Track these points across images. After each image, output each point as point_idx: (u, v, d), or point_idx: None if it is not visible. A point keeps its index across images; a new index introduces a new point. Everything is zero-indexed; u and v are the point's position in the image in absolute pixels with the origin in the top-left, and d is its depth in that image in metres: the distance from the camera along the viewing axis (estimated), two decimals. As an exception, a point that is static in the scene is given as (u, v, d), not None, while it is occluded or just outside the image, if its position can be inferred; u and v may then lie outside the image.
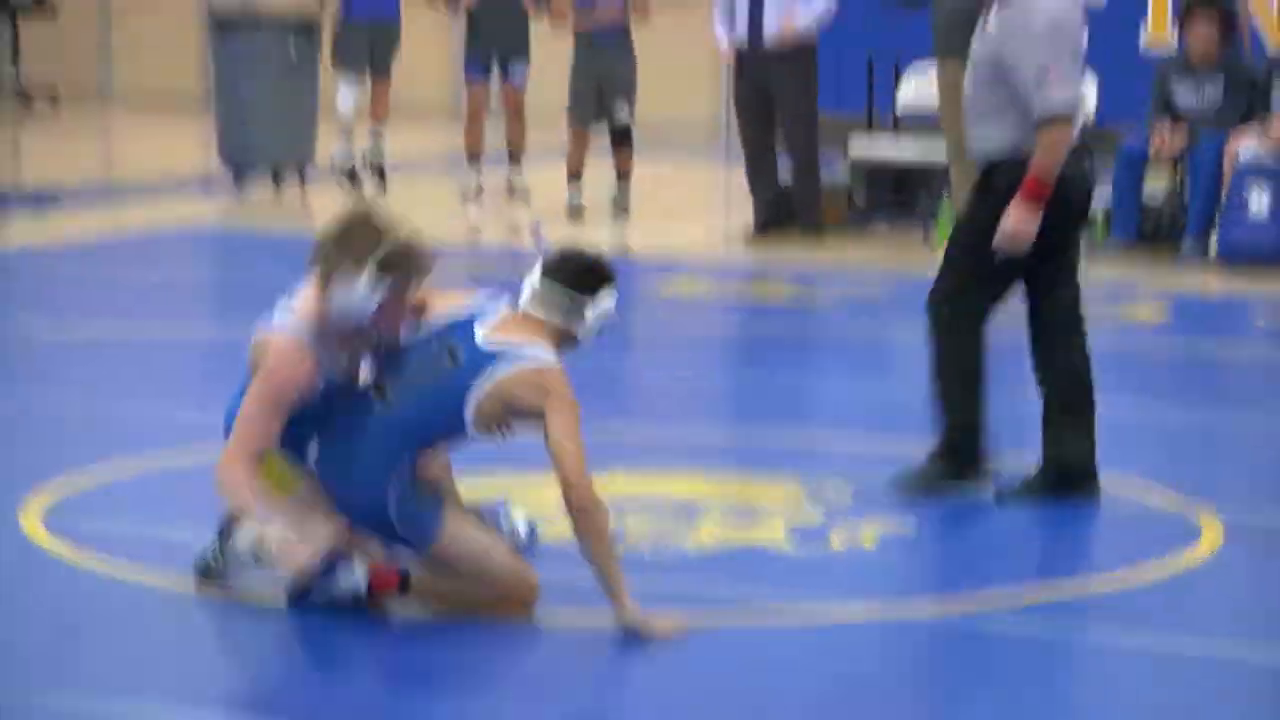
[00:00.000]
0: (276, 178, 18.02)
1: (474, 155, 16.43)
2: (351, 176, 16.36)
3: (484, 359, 6.35)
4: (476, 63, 16.67)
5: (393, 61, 16.72)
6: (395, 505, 6.47)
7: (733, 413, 10.66)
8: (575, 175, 17.01)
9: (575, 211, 16.30)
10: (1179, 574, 7.54)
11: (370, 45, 15.47)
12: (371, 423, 6.54)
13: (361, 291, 6.29)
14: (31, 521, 7.95)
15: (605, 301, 6.60)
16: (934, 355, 8.51)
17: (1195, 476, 9.14)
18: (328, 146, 17.98)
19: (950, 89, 13.92)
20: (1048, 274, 8.33)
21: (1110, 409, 9.76)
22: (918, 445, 8.79)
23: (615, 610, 6.34)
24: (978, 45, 8.48)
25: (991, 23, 8.26)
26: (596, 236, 15.81)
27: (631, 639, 6.57)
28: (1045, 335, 8.52)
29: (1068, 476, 8.61)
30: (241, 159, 17.97)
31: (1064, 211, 8.27)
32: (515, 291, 6.74)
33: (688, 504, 8.45)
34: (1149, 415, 10.96)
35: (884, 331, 13.85)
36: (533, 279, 6.54)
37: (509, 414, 6.39)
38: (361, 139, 16.90)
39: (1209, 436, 10.68)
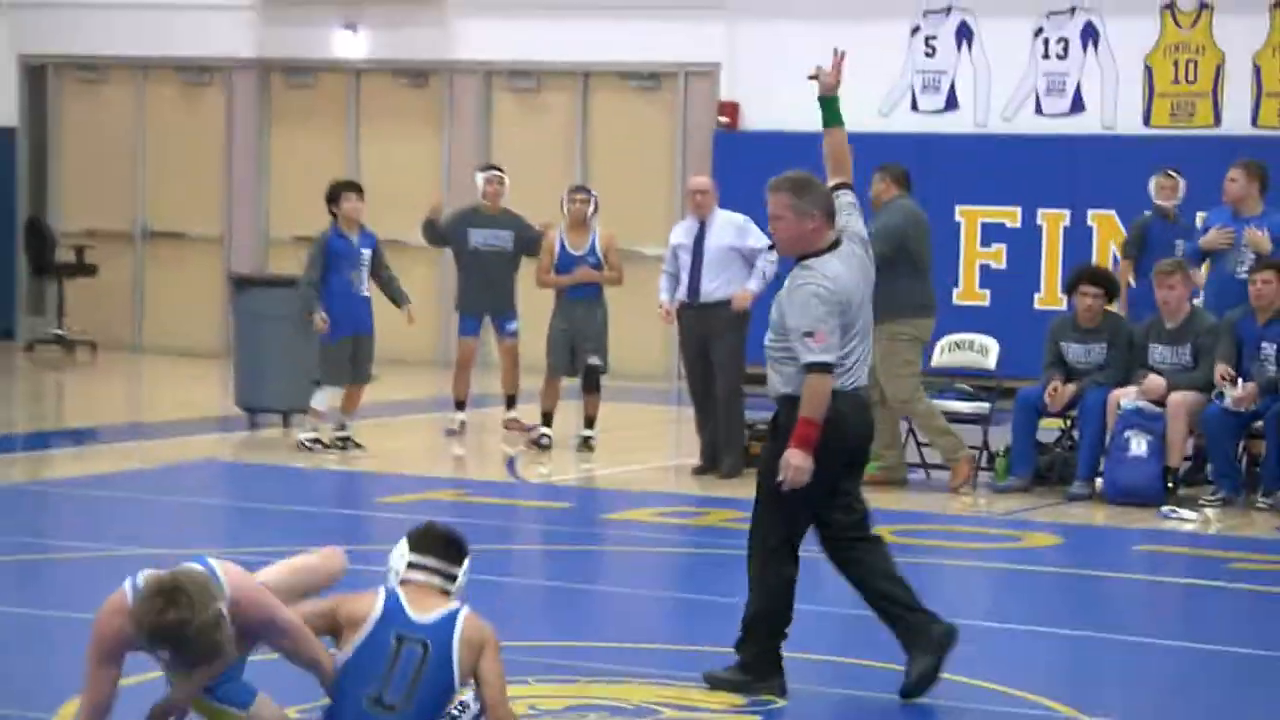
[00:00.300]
0: (285, 418, 17.73)
1: (460, 402, 16.08)
2: (314, 445, 15.83)
3: (440, 629, 6.17)
4: (470, 320, 16.58)
5: (370, 368, 16.23)
6: None
7: (674, 625, 10.11)
8: (547, 416, 16.60)
9: (545, 447, 15.95)
10: None
11: (353, 356, 15.10)
12: None
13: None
14: None
15: (467, 567, 6.50)
16: (752, 579, 8.30)
17: (1085, 688, 8.91)
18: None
19: (893, 350, 14.35)
20: (830, 504, 8.20)
21: (1009, 626, 10.35)
22: (827, 653, 8.71)
23: None
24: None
25: (786, 279, 8.28)
26: (564, 467, 15.76)
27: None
28: (838, 555, 8.32)
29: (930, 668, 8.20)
30: (255, 402, 17.72)
31: (840, 449, 8.15)
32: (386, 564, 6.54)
33: (644, 707, 8.03)
34: (1041, 633, 10.58)
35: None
36: (406, 558, 6.39)
37: (473, 661, 6.20)
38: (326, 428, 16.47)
39: (1097, 654, 10.21)
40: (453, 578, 6.52)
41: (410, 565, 6.43)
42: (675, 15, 21.50)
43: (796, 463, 7.81)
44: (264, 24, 23.55)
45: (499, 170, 17.99)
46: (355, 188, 15.90)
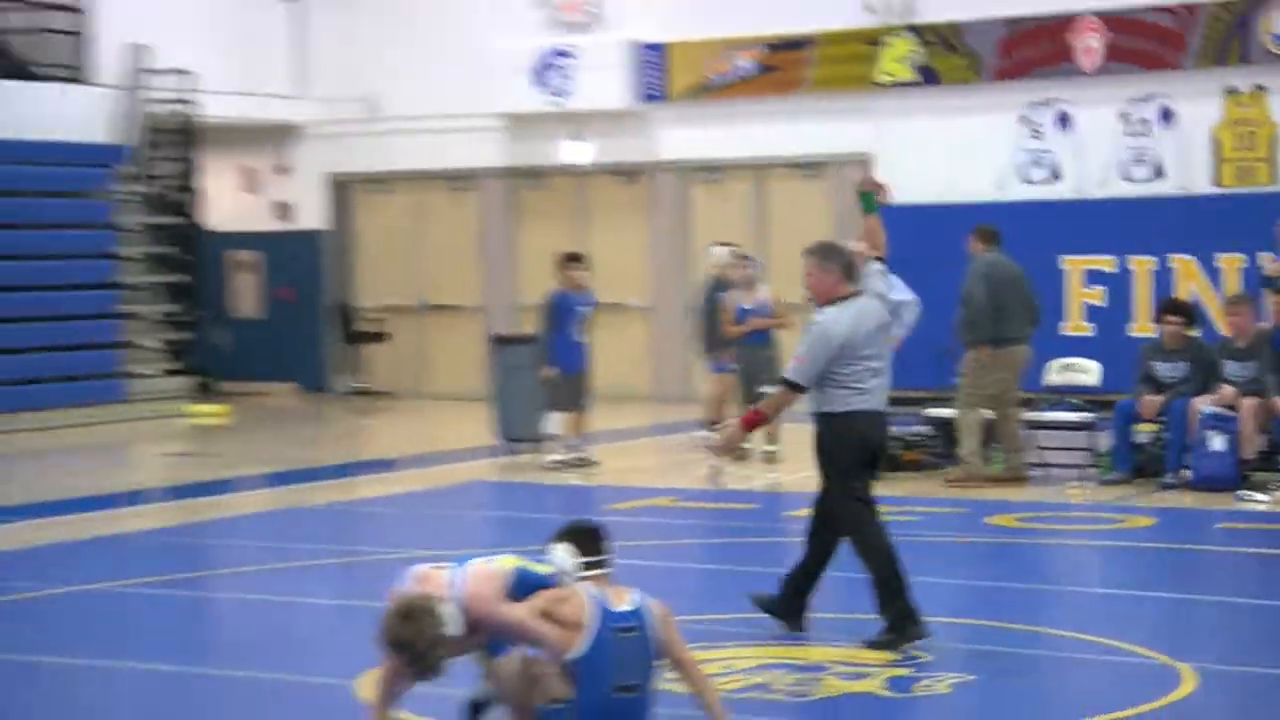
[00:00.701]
0: (535, 445, 17.76)
1: (713, 423, 15.90)
2: (559, 466, 16.20)
3: (640, 615, 6.26)
4: (717, 362, 16.84)
5: (586, 398, 16.62)
6: None
7: (842, 599, 9.71)
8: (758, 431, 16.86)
9: (741, 459, 15.94)
10: (1169, 707, 7.53)
11: (575, 389, 15.43)
12: (646, 714, 6.50)
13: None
14: (366, 690, 7.79)
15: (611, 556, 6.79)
16: (860, 556, 8.45)
17: (1180, 640, 9.14)
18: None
19: (968, 371, 14.89)
20: (827, 485, 8.49)
21: (1115, 591, 10.93)
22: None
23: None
24: None
25: None
26: (754, 477, 15.79)
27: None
28: (817, 522, 8.61)
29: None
30: (511, 434, 17.91)
31: (855, 450, 8.36)
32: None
33: (818, 664, 8.37)
34: (1142, 596, 10.96)
35: (928, 533, 13.13)
36: (577, 559, 6.54)
37: (665, 634, 6.38)
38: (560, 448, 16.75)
39: (1189, 611, 10.56)
40: (610, 563, 6.68)
41: (586, 564, 6.55)
42: (831, 117, 21.39)
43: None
44: (510, 139, 24.02)
45: (735, 248, 18.31)
46: (577, 257, 16.12)
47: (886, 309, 8.94)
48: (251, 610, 11.33)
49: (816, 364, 8.34)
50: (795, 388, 8.39)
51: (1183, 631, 9.78)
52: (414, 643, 6.18)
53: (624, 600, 6.37)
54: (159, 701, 8.77)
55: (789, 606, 8.86)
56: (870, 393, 8.46)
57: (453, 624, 6.31)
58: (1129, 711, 7.58)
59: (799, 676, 8.06)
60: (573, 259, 16.35)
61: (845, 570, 9.14)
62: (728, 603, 9.69)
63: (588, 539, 6.62)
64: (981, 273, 14.96)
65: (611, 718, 6.34)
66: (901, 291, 14.43)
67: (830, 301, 8.36)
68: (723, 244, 18.00)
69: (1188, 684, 7.93)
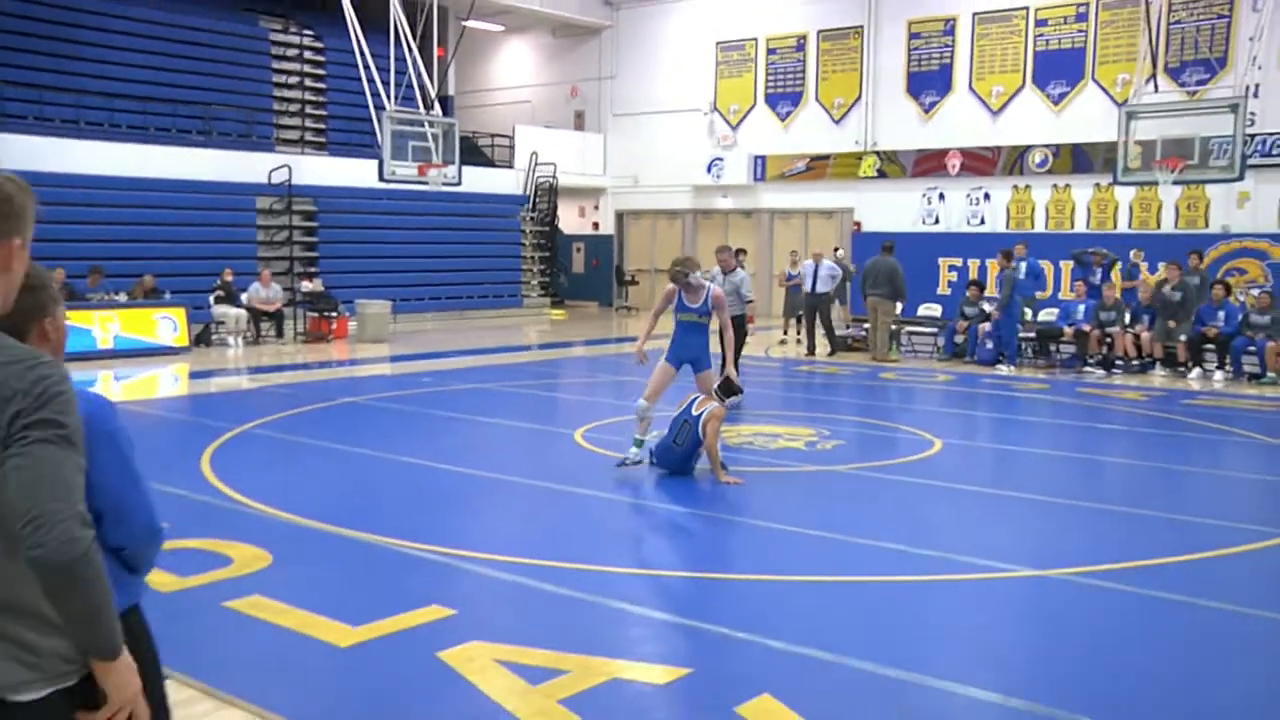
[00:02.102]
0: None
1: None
2: None
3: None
4: None
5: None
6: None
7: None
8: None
9: None
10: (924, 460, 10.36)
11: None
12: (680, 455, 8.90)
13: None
14: (579, 437, 11.41)
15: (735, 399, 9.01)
16: None
17: (937, 427, 12.17)
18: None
19: (872, 310, 19.01)
20: None
21: (921, 408, 14.52)
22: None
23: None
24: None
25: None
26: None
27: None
28: None
29: None
30: None
31: None
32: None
33: (772, 434, 11.58)
34: (927, 410, 14.74)
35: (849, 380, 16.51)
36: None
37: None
38: None
39: (947, 417, 13.79)
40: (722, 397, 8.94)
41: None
42: (838, 191, 27.67)
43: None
44: (695, 196, 30.50)
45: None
46: (741, 250, 16.53)
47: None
48: (553, 399, 15.04)
49: None
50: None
51: (938, 422, 12.67)
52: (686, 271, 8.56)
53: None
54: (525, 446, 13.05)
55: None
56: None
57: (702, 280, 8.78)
58: (912, 458, 10.30)
59: (766, 439, 11.13)
60: (740, 251, 17.26)
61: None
62: (760, 406, 10.88)
63: None
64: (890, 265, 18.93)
65: None
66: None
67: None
68: (818, 254, 20.80)
69: (936, 447, 10.81)
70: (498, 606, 6.29)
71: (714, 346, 9.51)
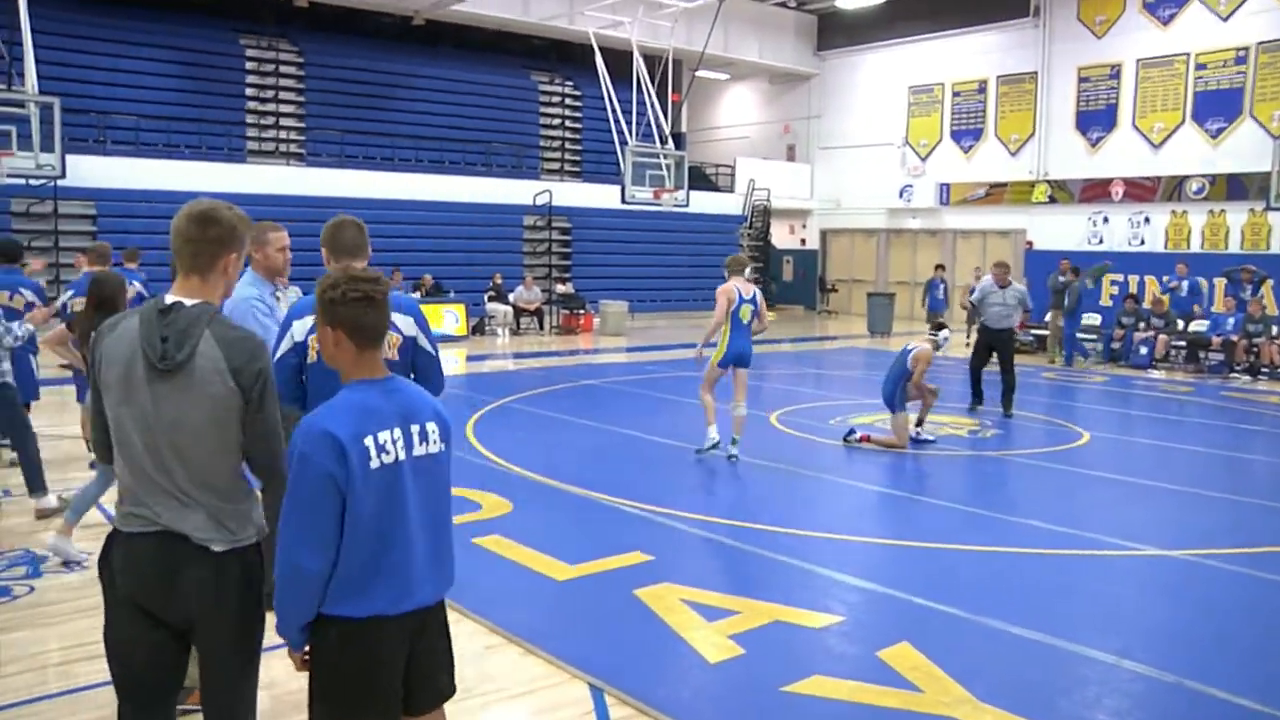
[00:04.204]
0: (885, 335, 22.70)
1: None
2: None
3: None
4: None
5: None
6: None
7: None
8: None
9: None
10: (1072, 450, 9.61)
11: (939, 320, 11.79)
12: None
13: None
14: (774, 420, 11.50)
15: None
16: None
17: (1082, 419, 11.61)
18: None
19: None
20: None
21: (1056, 401, 13.30)
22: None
23: None
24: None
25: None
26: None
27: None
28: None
29: None
30: (873, 329, 23.12)
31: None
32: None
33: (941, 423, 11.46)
34: (1066, 403, 13.68)
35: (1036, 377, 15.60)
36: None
37: None
38: None
39: (1082, 410, 12.92)
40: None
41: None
42: (1013, 215, 25.89)
43: None
44: (888, 217, 29.12)
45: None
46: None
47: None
48: (756, 386, 13.47)
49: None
50: None
51: (1089, 417, 11.89)
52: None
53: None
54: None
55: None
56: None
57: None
58: (1058, 447, 9.74)
59: (931, 426, 10.60)
60: (940, 267, 19.69)
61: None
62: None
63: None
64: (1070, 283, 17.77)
65: None
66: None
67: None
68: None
69: (1085, 439, 10.26)
70: (688, 555, 6.27)
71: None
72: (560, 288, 23.57)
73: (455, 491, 7.28)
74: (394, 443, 2.67)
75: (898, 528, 7.14)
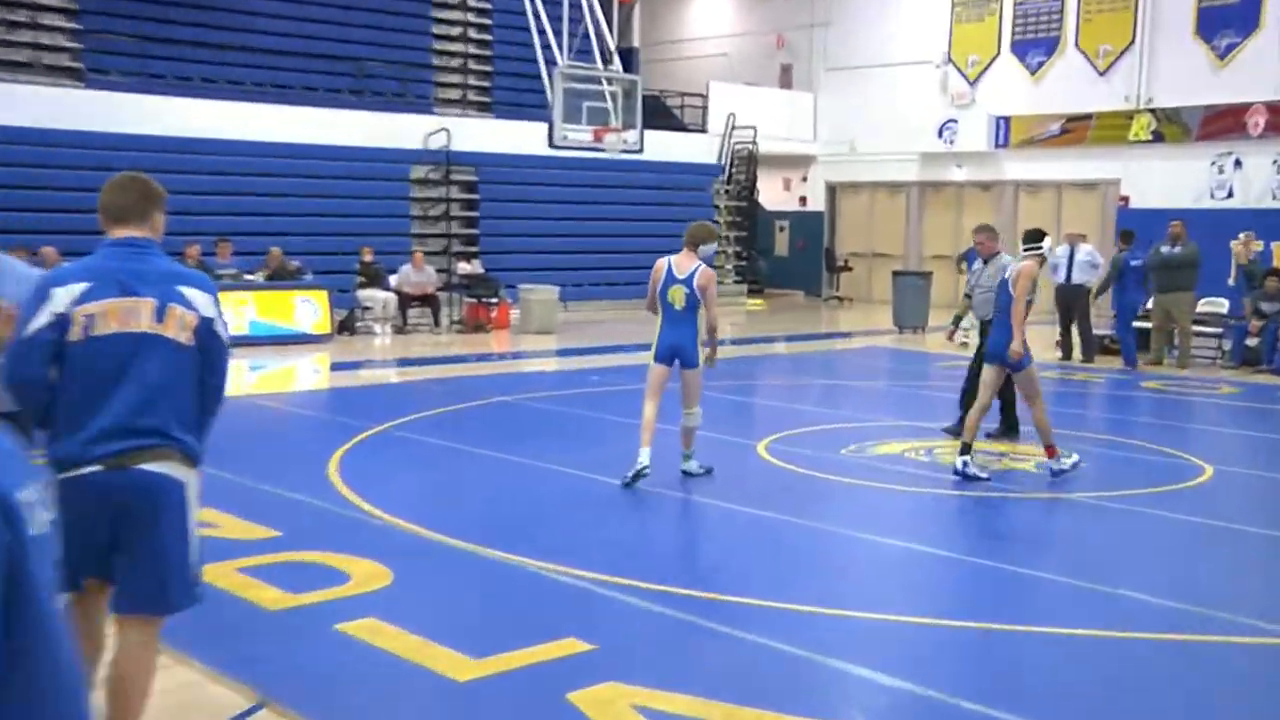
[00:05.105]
0: (915, 329, 22.48)
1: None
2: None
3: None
4: None
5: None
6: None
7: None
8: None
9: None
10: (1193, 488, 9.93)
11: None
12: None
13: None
14: (762, 449, 11.65)
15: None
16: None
17: (1208, 450, 11.75)
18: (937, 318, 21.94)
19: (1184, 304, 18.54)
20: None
21: (1190, 426, 13.99)
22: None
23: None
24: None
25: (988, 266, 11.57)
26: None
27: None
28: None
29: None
30: (901, 323, 23.29)
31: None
32: None
33: (996, 452, 10.58)
34: (1198, 428, 14.22)
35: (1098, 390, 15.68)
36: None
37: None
38: None
39: (1227, 437, 13.56)
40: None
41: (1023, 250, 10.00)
42: (1100, 159, 27.41)
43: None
44: (922, 166, 30.82)
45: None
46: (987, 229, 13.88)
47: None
48: (741, 403, 15.29)
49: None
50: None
51: (1213, 444, 12.53)
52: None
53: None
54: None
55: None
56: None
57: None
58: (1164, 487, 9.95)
59: (988, 458, 11.00)
60: (980, 230, 15.48)
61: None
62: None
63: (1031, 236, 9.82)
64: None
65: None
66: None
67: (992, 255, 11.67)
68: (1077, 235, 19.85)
69: (1206, 474, 10.49)
70: (642, 642, 6.32)
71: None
72: (464, 267, 23.92)
73: (310, 556, 7.55)
74: None
75: (939, 601, 7.20)
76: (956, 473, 10.14)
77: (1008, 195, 29.63)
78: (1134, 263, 18.96)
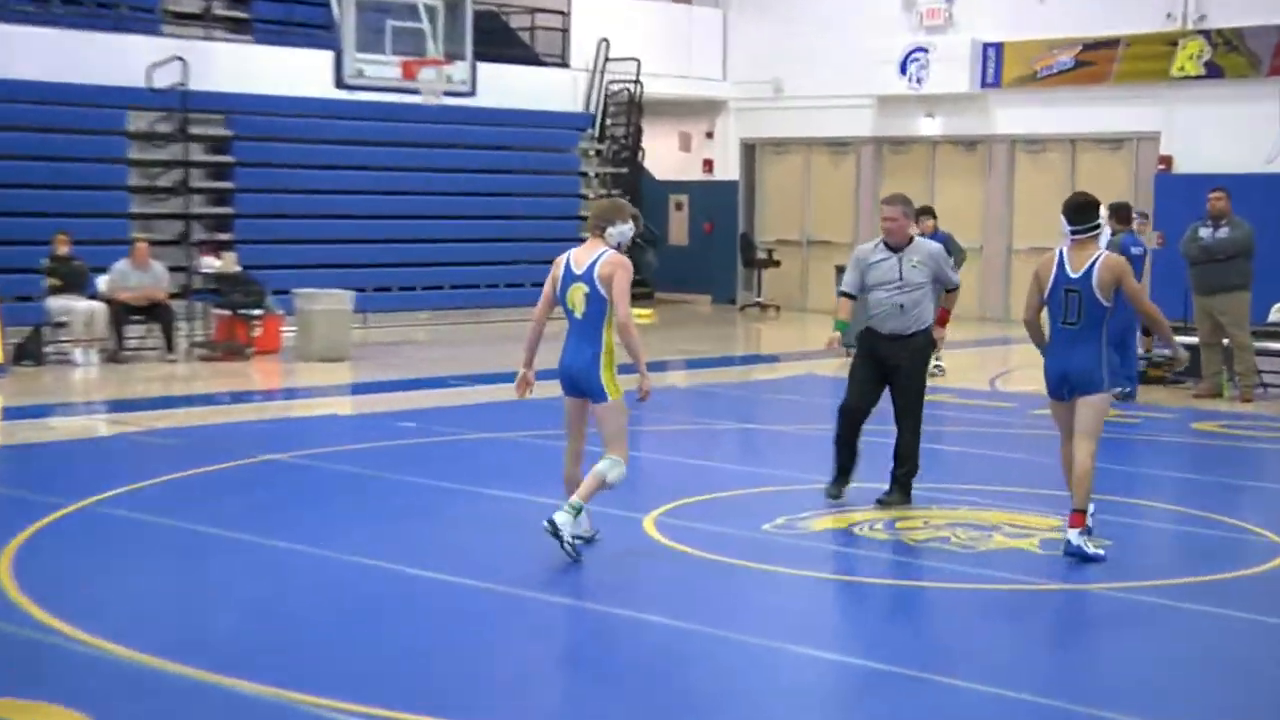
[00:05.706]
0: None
1: None
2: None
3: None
4: None
5: None
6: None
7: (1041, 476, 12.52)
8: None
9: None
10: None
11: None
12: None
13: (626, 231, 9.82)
14: (650, 525, 11.49)
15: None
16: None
17: None
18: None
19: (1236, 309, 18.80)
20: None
21: (1255, 484, 14.31)
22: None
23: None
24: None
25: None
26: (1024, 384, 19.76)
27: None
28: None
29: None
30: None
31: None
32: None
33: (989, 525, 11.28)
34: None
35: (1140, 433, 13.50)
36: (1068, 227, 10.01)
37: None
38: None
39: None
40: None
41: (1072, 232, 9.98)
42: (1131, 103, 28.12)
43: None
44: (878, 115, 31.64)
45: None
46: (928, 210, 18.61)
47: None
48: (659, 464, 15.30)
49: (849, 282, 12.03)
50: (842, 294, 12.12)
51: None
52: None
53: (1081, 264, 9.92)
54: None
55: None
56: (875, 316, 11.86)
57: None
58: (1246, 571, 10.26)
59: (975, 533, 11.08)
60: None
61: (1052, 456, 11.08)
62: (964, 476, 13.09)
63: (1073, 209, 10.01)
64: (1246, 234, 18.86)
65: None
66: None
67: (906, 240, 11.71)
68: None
69: None
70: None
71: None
72: (211, 263, 23.69)
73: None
74: None
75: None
76: (1070, 553, 10.23)
77: (999, 157, 30.55)
78: (1135, 250, 18.54)
